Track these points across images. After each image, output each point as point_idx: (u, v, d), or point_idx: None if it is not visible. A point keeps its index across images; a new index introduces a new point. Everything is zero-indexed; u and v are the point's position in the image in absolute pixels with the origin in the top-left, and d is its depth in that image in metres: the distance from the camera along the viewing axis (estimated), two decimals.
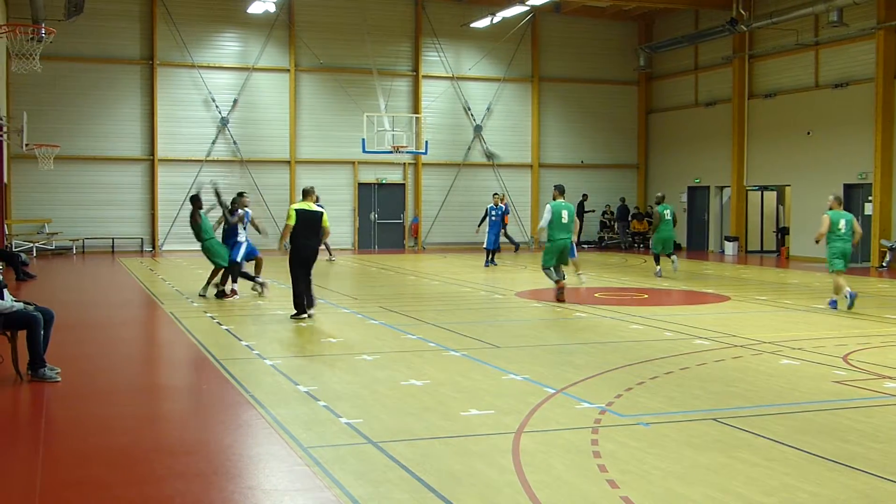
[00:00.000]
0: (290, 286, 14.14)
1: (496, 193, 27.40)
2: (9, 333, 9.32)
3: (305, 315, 13.84)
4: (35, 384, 9.19)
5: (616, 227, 36.16)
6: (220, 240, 17.34)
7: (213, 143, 32.04)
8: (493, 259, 25.14)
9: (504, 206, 26.42)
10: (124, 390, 9.40)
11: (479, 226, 27.05)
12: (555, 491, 5.90)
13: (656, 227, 21.94)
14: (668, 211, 21.82)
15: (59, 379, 9.32)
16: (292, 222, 13.78)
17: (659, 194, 23.10)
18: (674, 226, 22.14)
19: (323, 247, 16.79)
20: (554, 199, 16.77)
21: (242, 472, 6.53)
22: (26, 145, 26.62)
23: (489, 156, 34.15)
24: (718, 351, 11.26)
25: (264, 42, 32.43)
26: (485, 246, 25.30)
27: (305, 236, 13.85)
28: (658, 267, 21.80)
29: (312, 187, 14.63)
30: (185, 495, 5.95)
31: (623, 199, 35.95)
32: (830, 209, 16.16)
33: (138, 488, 6.10)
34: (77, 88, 30.49)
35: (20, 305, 9.40)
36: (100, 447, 7.16)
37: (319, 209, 14.11)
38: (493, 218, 25.51)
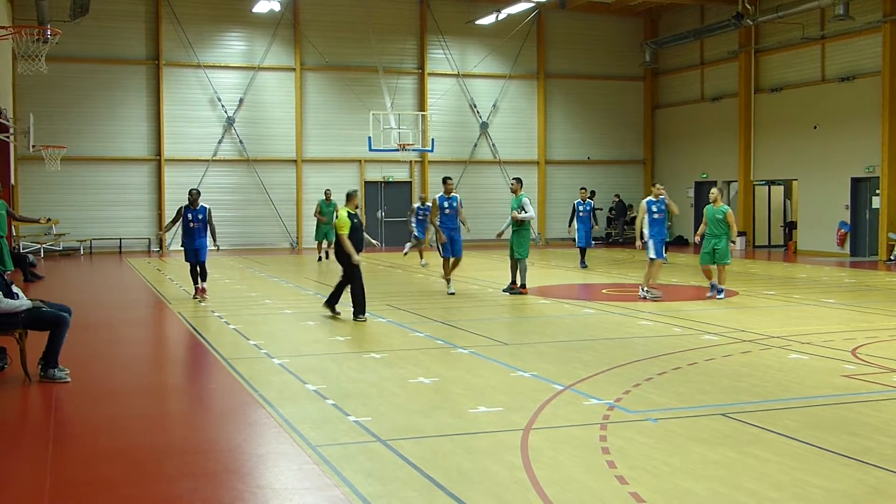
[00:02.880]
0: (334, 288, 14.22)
1: (583, 188, 25.40)
2: (17, 334, 9.32)
3: (335, 313, 14.01)
4: (44, 384, 9.20)
5: (615, 224, 36.06)
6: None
7: (220, 142, 32.06)
8: (584, 259, 23.61)
9: (591, 202, 24.08)
10: (133, 390, 9.41)
11: (570, 225, 24.20)
12: (564, 487, 5.89)
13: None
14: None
15: (69, 380, 9.33)
16: (347, 230, 13.63)
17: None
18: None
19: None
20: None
21: (252, 471, 6.54)
22: (33, 147, 26.66)
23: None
24: (727, 346, 11.23)
25: (269, 41, 32.44)
26: (576, 244, 23.92)
27: (359, 240, 13.87)
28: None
29: (356, 191, 14.41)
30: (194, 494, 5.96)
31: (618, 196, 35.82)
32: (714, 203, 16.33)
33: (147, 488, 6.11)
34: (83, 89, 30.54)
35: (28, 304, 9.39)
36: (109, 447, 7.17)
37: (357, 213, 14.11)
38: (582, 214, 23.54)
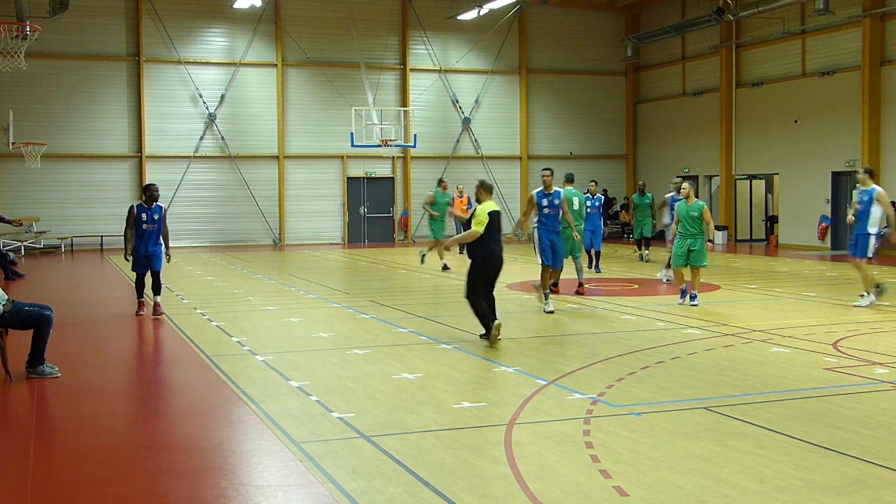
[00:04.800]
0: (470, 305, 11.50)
1: (593, 181, 21.45)
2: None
3: (495, 329, 11.12)
4: (26, 382, 9.17)
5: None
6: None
7: (201, 139, 31.94)
8: (644, 248, 23.39)
9: (601, 197, 20.90)
10: (115, 388, 9.37)
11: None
12: (547, 482, 5.90)
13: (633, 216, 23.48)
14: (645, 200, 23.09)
15: (59, 375, 9.40)
16: (482, 228, 11.22)
17: (640, 183, 24.03)
18: (652, 215, 22.93)
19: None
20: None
21: (235, 468, 6.52)
22: (13, 144, 26.50)
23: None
24: (709, 340, 11.28)
25: (251, 37, 32.33)
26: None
27: (495, 242, 11.32)
28: (641, 252, 23.39)
29: (491, 183, 11.99)
30: (177, 492, 5.93)
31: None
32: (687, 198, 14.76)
33: (130, 486, 6.08)
34: (63, 86, 30.35)
35: (4, 298, 9.35)
36: (91, 445, 7.14)
37: (498, 209, 11.56)
38: (590, 210, 19.92)
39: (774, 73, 30.34)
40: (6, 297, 9.41)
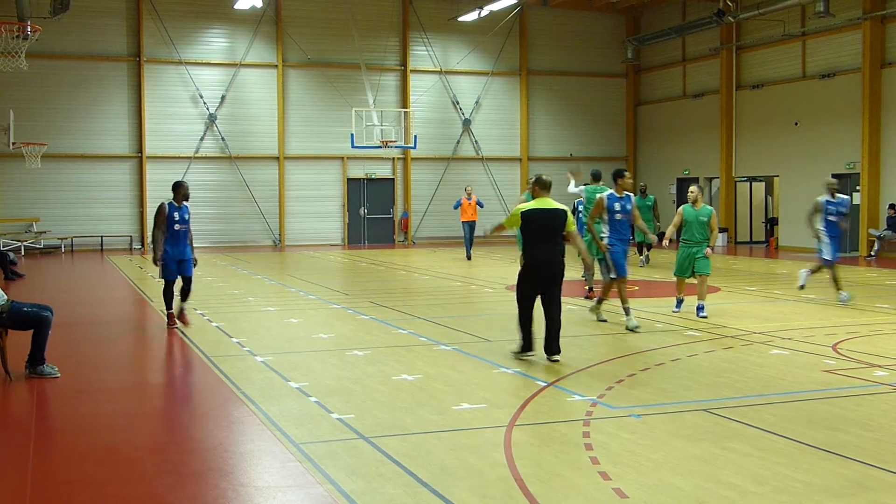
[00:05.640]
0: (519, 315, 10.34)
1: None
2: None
3: (532, 353, 10.13)
4: (25, 382, 9.17)
5: None
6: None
7: (202, 139, 31.94)
8: (646, 251, 22.36)
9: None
10: (115, 388, 9.37)
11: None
12: (547, 484, 5.90)
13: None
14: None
15: (58, 375, 9.41)
16: (507, 223, 10.36)
17: (641, 184, 23.88)
18: (655, 217, 22.70)
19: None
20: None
21: (234, 469, 6.52)
22: (13, 144, 26.50)
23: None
24: (709, 342, 11.28)
25: (251, 38, 32.33)
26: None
27: (542, 243, 10.03)
28: (643, 255, 22.78)
29: (550, 179, 10.36)
30: (176, 493, 5.93)
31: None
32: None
33: (130, 486, 6.08)
34: (64, 86, 30.35)
35: (4, 298, 9.35)
36: (91, 445, 7.14)
37: (561, 207, 10.11)
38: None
39: (775, 75, 30.35)
40: (6, 297, 9.42)
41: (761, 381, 9.04)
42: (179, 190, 12.79)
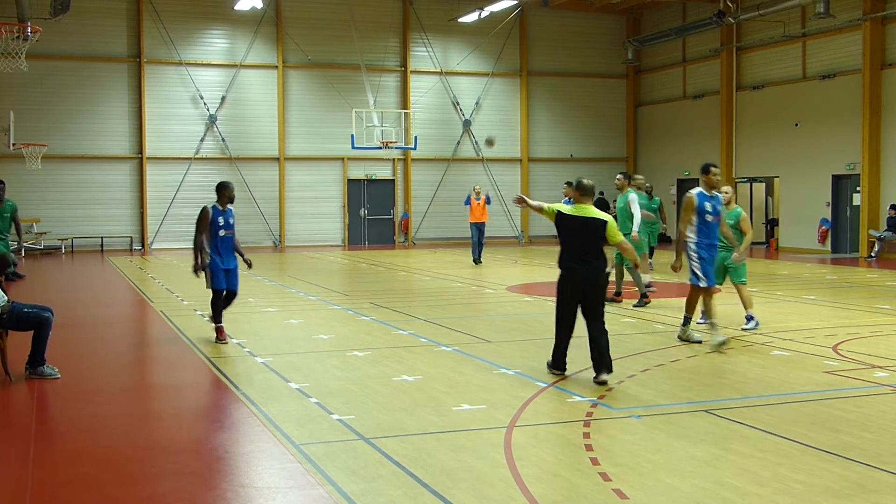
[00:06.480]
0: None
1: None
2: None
3: (560, 373, 9.29)
4: (26, 383, 9.16)
5: None
6: None
7: (202, 140, 31.94)
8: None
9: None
10: (116, 389, 9.36)
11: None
12: (547, 485, 5.90)
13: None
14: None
15: (59, 376, 9.41)
16: (545, 215, 9.39)
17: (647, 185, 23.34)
18: (661, 219, 22.12)
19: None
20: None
21: (235, 469, 6.52)
22: (13, 145, 26.50)
23: (489, 142, 28.22)
24: (709, 343, 11.26)
25: (252, 39, 32.34)
26: None
27: (575, 252, 9.14)
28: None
29: (591, 184, 9.41)
30: (177, 494, 5.93)
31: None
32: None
33: (130, 487, 6.08)
34: (64, 87, 30.35)
35: (4, 299, 9.36)
36: (91, 446, 7.14)
37: (601, 217, 9.16)
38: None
39: (775, 76, 30.35)
40: (6, 298, 9.42)
41: (762, 382, 9.04)
42: (224, 191, 11.43)
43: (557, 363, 9.32)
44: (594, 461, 6.36)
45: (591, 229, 9.06)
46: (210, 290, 11.51)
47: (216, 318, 11.56)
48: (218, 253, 11.34)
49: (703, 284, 11.13)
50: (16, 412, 8.53)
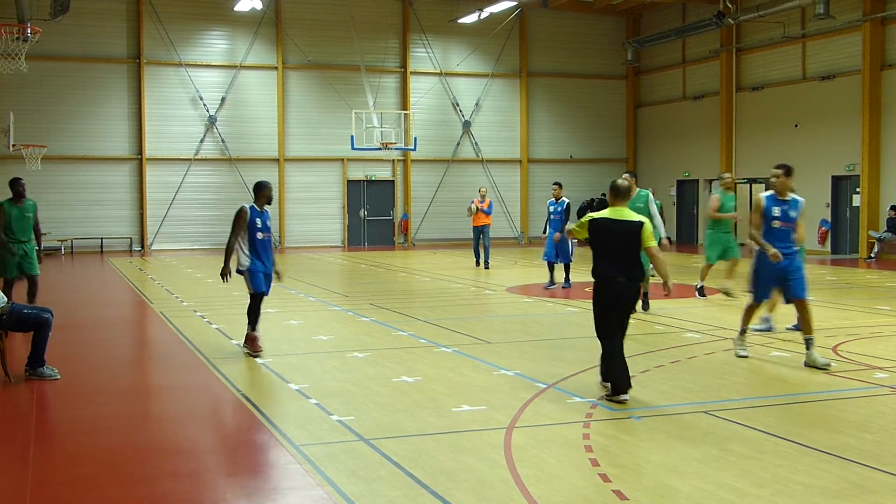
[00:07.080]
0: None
1: (557, 183, 18.73)
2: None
3: (625, 396, 8.19)
4: (25, 384, 9.16)
5: None
6: None
7: (202, 141, 31.94)
8: (553, 278, 18.27)
9: (565, 200, 18.18)
10: (115, 390, 9.36)
11: (544, 231, 18.51)
12: (547, 486, 5.90)
13: None
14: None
15: (58, 377, 9.40)
16: (575, 229, 8.70)
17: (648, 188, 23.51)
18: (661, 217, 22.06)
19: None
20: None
21: (234, 470, 6.52)
22: (13, 146, 26.49)
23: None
24: (709, 344, 11.28)
25: (251, 40, 32.34)
26: (543, 257, 18.47)
27: (613, 260, 8.40)
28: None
29: (627, 185, 8.67)
30: (176, 495, 5.93)
31: (603, 195, 35.62)
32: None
33: (130, 488, 6.08)
34: (64, 88, 30.35)
35: (4, 304, 9.36)
36: (91, 447, 7.14)
37: (637, 219, 8.46)
38: (553, 217, 18.15)
39: (775, 76, 30.36)
40: (6, 299, 9.42)
41: (761, 382, 9.04)
42: (263, 191, 10.85)
43: (618, 387, 8.19)
44: (594, 462, 6.37)
45: (632, 235, 8.33)
46: (249, 293, 10.80)
47: (252, 324, 10.75)
48: (258, 256, 10.72)
49: (748, 301, 10.34)
50: (16, 413, 8.53)
